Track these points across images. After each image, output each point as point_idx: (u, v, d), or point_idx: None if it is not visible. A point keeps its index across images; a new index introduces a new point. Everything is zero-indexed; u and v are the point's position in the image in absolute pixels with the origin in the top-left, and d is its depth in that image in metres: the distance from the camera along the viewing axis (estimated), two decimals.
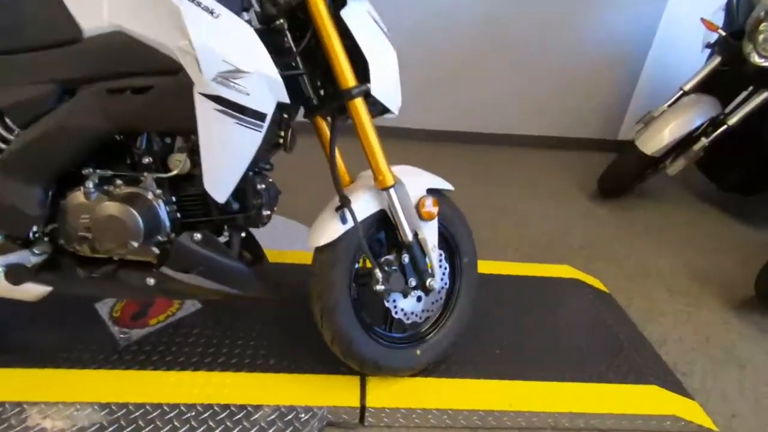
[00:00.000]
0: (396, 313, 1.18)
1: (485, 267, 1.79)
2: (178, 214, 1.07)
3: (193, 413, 1.12)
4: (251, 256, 1.22)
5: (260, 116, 0.93)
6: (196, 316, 1.42)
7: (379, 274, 1.08)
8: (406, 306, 1.19)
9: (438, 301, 1.27)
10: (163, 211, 1.04)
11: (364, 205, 1.10)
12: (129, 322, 1.37)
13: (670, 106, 2.35)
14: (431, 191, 1.17)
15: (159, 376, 1.21)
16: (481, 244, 1.56)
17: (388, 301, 1.16)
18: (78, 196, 1.02)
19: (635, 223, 2.49)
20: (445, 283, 1.28)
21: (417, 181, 1.15)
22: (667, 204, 2.73)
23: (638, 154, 2.37)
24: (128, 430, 1.06)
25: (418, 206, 1.10)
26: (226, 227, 1.13)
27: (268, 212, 1.13)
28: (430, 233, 1.15)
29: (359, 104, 1.02)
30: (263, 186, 1.11)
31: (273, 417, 1.13)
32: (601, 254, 2.17)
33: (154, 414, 1.11)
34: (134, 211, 0.97)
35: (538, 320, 1.55)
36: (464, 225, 1.31)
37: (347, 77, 1.00)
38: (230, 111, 0.90)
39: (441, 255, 1.26)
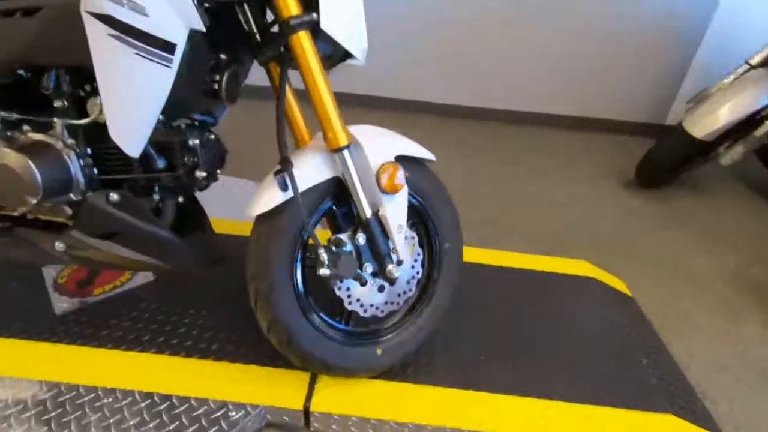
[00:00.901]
0: (350, 303, 0.98)
1: (487, 257, 1.56)
2: (95, 170, 0.91)
3: (110, 399, 0.98)
4: (193, 224, 1.05)
5: (168, 47, 0.74)
6: (146, 289, 1.27)
7: (324, 255, 0.88)
8: (363, 296, 0.99)
9: (407, 292, 1.06)
10: (75, 164, 0.89)
11: (311, 170, 0.89)
12: (73, 290, 1.25)
13: (731, 82, 1.98)
14: (403, 159, 0.95)
15: (87, 352, 1.08)
16: (489, 231, 1.33)
17: (339, 289, 0.97)
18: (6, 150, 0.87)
19: (674, 218, 2.16)
20: (418, 272, 1.06)
21: (382, 145, 0.93)
22: (715, 198, 2.36)
23: (685, 138, 2.03)
24: (51, 409, 0.94)
25: (379, 175, 0.89)
26: (157, 189, 0.97)
27: (204, 174, 0.95)
28: (394, 210, 0.93)
29: (303, 40, 0.81)
30: (197, 142, 0.92)
31: (198, 413, 0.97)
32: (628, 251, 1.88)
33: (69, 396, 0.98)
34: (31, 163, 0.82)
35: (539, 323, 1.31)
36: (447, 204, 1.09)
37: (288, 3, 0.78)
38: (128, 38, 0.72)
39: (414, 238, 1.04)
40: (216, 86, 0.90)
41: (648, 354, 1.28)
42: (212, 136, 0.99)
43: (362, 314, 1.00)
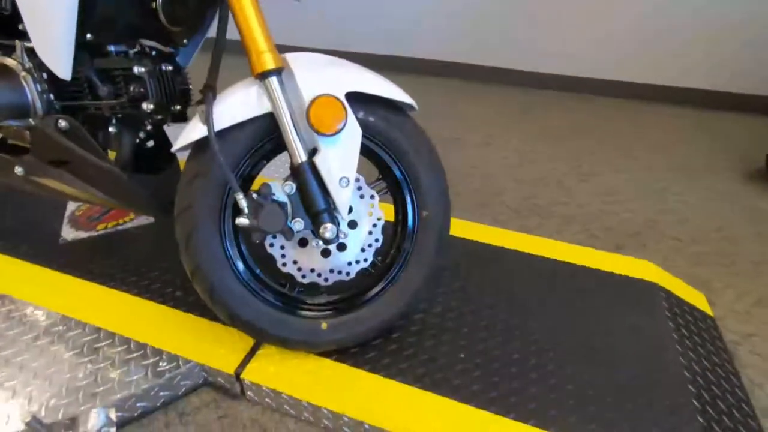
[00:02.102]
0: (284, 265, 0.85)
1: (524, 243, 1.29)
2: (51, 96, 0.90)
3: (64, 327, 0.99)
4: (162, 165, 1.00)
5: None
6: (140, 230, 1.29)
7: (243, 202, 0.75)
8: (302, 259, 0.85)
9: (360, 262, 0.88)
10: (32, 88, 0.88)
11: (238, 103, 0.76)
12: (82, 223, 1.32)
13: None
14: (366, 100, 0.77)
15: (66, 281, 1.11)
16: (544, 217, 1.11)
17: (272, 246, 0.83)
18: None
19: None
20: (377, 240, 0.88)
21: (323, 76, 0.76)
22: None
23: None
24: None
25: (308, 110, 0.72)
26: (114, 122, 0.93)
27: (153, 106, 0.88)
28: (334, 157, 0.76)
29: None
30: (142, 70, 0.85)
31: (132, 356, 0.93)
32: (724, 258, 1.43)
33: (33, 318, 1.01)
34: None
35: (563, 331, 1.02)
36: (429, 163, 0.88)
37: None
38: None
39: (373, 198, 0.86)
40: (153, 5, 0.81)
41: (719, 396, 0.92)
42: (169, 68, 0.92)
43: (300, 279, 0.86)
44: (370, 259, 0.89)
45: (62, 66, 0.78)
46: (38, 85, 0.88)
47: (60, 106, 0.90)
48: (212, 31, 0.90)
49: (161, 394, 0.91)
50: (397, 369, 0.92)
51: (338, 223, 0.80)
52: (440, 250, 0.92)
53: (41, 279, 1.11)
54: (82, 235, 1.27)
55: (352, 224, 0.86)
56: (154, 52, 0.92)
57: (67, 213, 1.35)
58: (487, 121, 2.38)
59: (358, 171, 0.81)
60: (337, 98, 0.72)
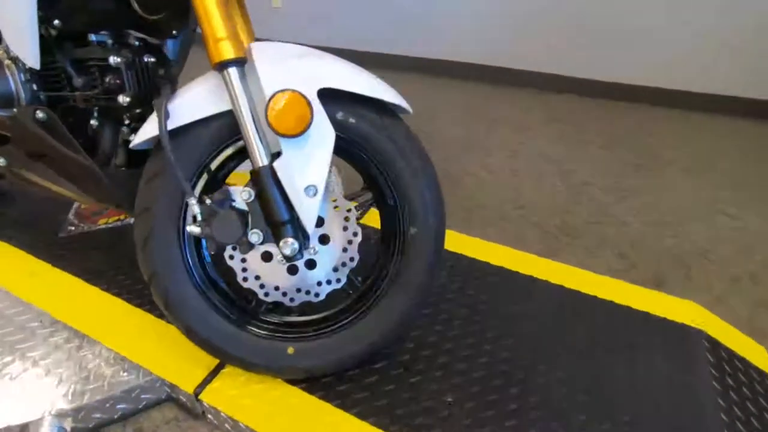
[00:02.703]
0: (245, 279, 0.76)
1: (544, 268, 1.14)
2: (35, 86, 0.87)
3: (39, 322, 0.96)
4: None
5: None
6: None
7: (196, 208, 0.67)
8: (265, 274, 0.76)
9: (332, 283, 0.78)
10: (16, 78, 0.85)
11: (196, 96, 0.69)
12: (86, 217, 1.31)
13: None
14: (346, 98, 0.68)
15: (56, 274, 1.09)
16: (573, 237, 0.98)
17: (232, 258, 0.75)
18: None
19: None
20: (352, 259, 0.77)
21: (293, 69, 0.66)
22: None
23: None
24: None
25: (267, 106, 0.63)
26: (96, 115, 0.89)
27: (129, 99, 0.83)
28: (297, 162, 0.67)
29: None
30: (118, 60, 0.80)
31: (95, 362, 0.88)
32: None
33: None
34: None
35: (581, 379, 0.87)
36: (420, 173, 0.76)
37: None
38: None
39: (350, 211, 0.75)
40: None
41: None
42: (151, 60, 0.87)
43: (262, 297, 0.77)
44: (343, 280, 0.78)
45: (29, 53, 0.74)
46: (21, 75, 0.85)
47: (44, 96, 0.87)
48: None
49: (118, 407, 0.85)
50: (372, 407, 0.81)
51: (304, 238, 0.70)
52: (430, 273, 0.79)
53: (30, 270, 1.10)
54: (83, 228, 1.26)
55: (324, 239, 0.76)
56: (137, 43, 0.87)
57: (75, 205, 1.35)
58: (520, 127, 2.20)
59: (351, 178, 0.72)
60: (300, 94, 0.63)
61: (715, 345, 0.96)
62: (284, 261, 0.73)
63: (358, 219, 0.78)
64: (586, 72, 2.57)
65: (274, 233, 0.69)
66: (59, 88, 0.85)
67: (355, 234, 0.76)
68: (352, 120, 0.72)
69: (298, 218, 0.69)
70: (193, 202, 0.66)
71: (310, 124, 0.64)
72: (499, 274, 1.12)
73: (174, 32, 0.87)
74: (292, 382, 0.84)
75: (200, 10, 0.63)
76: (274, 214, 0.68)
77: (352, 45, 3.07)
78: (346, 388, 0.84)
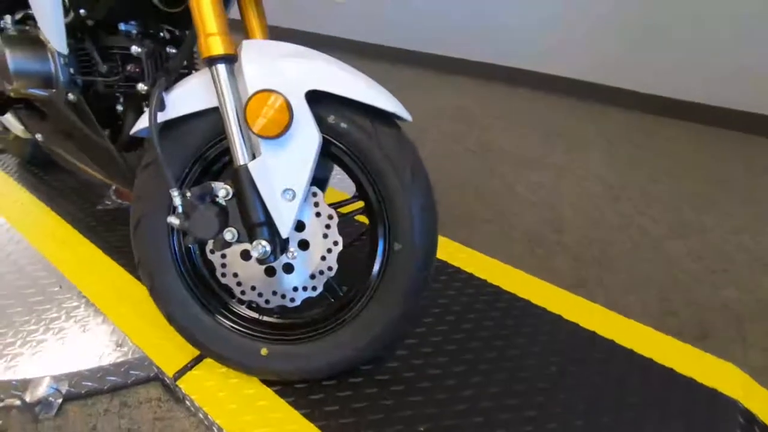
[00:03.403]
0: (224, 275, 0.76)
1: (563, 303, 1.04)
2: (71, 70, 0.93)
3: (57, 289, 1.04)
4: None
5: None
6: None
7: (177, 200, 0.68)
8: (243, 273, 0.75)
9: (309, 289, 0.75)
10: (55, 61, 0.92)
11: (188, 91, 0.69)
12: (124, 194, 1.40)
13: None
14: (329, 98, 0.65)
15: (80, 243, 1.17)
16: (610, 271, 0.92)
17: (212, 252, 0.75)
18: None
19: None
20: (330, 268, 0.74)
21: (280, 69, 0.65)
22: None
23: None
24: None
25: (246, 106, 0.62)
26: (122, 100, 0.94)
27: (147, 88, 0.86)
28: (276, 162, 0.65)
29: None
30: (139, 50, 0.84)
31: (96, 333, 0.94)
32: None
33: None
34: (7, 54, 0.88)
35: None
36: (410, 186, 0.71)
37: None
38: None
39: (332, 218, 0.73)
40: None
41: None
42: (173, 51, 0.89)
43: (238, 295, 0.76)
44: (319, 289, 0.76)
45: (55, 38, 0.79)
46: (60, 59, 0.92)
47: (80, 81, 0.94)
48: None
49: (108, 378, 0.89)
50: (338, 423, 0.78)
51: (280, 241, 0.69)
52: (414, 293, 0.75)
53: (63, 238, 1.19)
54: (119, 204, 1.34)
55: (304, 245, 0.74)
56: (162, 35, 0.90)
57: None
58: (579, 144, 2.04)
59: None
60: (280, 96, 0.61)
61: (750, 420, 0.82)
62: (279, 265, 0.72)
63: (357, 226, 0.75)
64: (668, 90, 2.33)
65: (249, 233, 0.68)
66: (89, 74, 0.90)
67: (335, 243, 0.73)
68: (343, 125, 0.70)
69: (272, 221, 0.67)
70: (175, 194, 0.67)
71: (289, 126, 0.62)
72: (508, 302, 1.04)
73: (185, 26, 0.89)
74: (268, 382, 0.84)
75: (194, 4, 0.63)
76: (250, 214, 0.67)
77: (415, 46, 3.03)
78: (318, 398, 0.82)
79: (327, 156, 0.73)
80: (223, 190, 0.68)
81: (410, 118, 0.73)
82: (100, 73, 0.88)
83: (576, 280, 1.25)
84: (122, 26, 0.87)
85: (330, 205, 0.76)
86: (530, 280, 1.11)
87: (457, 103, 2.46)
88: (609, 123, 2.28)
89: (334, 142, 0.71)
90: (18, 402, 0.83)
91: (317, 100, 0.68)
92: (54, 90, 0.92)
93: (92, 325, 0.96)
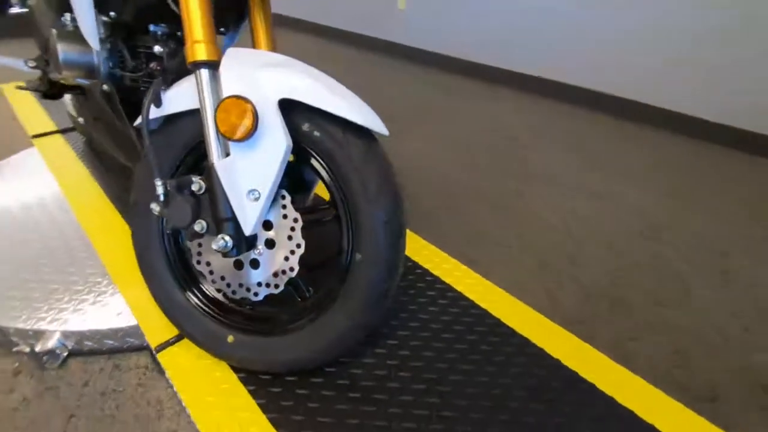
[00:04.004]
0: (198, 263, 0.82)
1: (558, 343, 0.99)
2: (110, 63, 1.05)
3: (80, 243, 1.17)
4: None
5: None
6: None
7: (160, 188, 0.74)
8: (214, 262, 0.80)
9: (271, 287, 0.79)
10: (98, 55, 1.04)
11: (180, 91, 0.76)
12: None
13: None
14: (306, 107, 0.69)
15: (117, 220, 1.31)
16: (621, 315, 0.92)
17: (191, 240, 0.81)
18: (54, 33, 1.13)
19: None
20: (292, 269, 0.77)
21: (254, 76, 0.69)
22: None
23: None
24: None
25: (217, 110, 0.67)
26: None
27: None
28: (243, 163, 0.69)
29: None
30: (160, 49, 0.92)
31: (107, 299, 1.04)
32: None
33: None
34: (58, 47, 1.01)
35: None
36: (376, 199, 0.73)
37: None
38: None
39: (297, 221, 0.76)
40: None
41: None
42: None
43: (209, 283, 0.82)
44: (281, 287, 0.79)
45: (89, 35, 0.90)
46: (102, 54, 1.04)
47: (115, 74, 1.05)
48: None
49: (106, 341, 0.99)
50: (289, 418, 0.80)
51: (243, 238, 0.73)
52: (372, 305, 0.76)
53: (101, 210, 1.33)
54: None
55: (270, 243, 0.77)
56: (179, 34, 0.99)
57: None
58: (621, 170, 1.90)
59: None
60: (247, 101, 0.65)
61: None
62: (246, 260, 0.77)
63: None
64: (729, 118, 2.11)
65: (216, 227, 0.73)
66: (121, 68, 1.01)
67: (298, 245, 0.76)
68: (317, 133, 0.72)
69: (238, 218, 0.72)
70: (158, 183, 0.74)
71: (253, 131, 0.66)
72: (490, 327, 1.01)
73: (222, 29, 0.97)
74: (236, 368, 0.89)
75: (184, 13, 0.69)
76: (217, 209, 0.72)
77: (472, 56, 3.00)
78: (276, 391, 0.85)
79: (305, 163, 0.77)
80: (196, 184, 0.73)
81: (386, 132, 0.74)
82: (128, 68, 0.98)
83: (577, 314, 1.18)
84: (151, 27, 0.96)
85: (306, 208, 0.79)
86: (522, 309, 1.06)
87: (511, 121, 2.40)
88: (672, 153, 2.10)
89: (308, 149, 0.74)
90: (28, 349, 0.95)
91: (296, 108, 0.71)
92: (94, 81, 1.04)
93: (107, 293, 1.06)
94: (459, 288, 1.11)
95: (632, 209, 1.66)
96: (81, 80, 1.05)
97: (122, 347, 1.01)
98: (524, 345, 0.96)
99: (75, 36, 1.02)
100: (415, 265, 1.18)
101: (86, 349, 1.00)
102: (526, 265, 1.35)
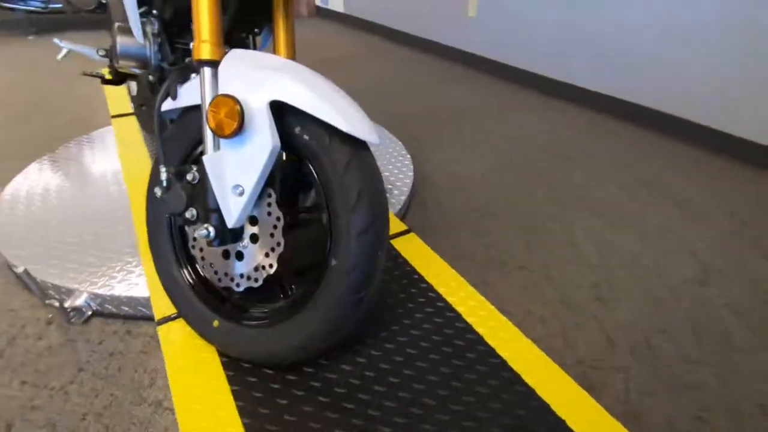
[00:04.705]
0: (193, 247, 0.86)
1: (547, 385, 0.93)
2: (160, 56, 1.15)
3: (121, 213, 1.29)
4: None
5: None
6: None
7: (163, 174, 0.80)
8: (207, 250, 0.85)
9: (252, 280, 0.81)
10: (151, 48, 1.15)
11: (190, 86, 0.80)
12: None
13: None
14: (299, 111, 0.71)
15: None
16: (639, 363, 0.89)
17: (188, 226, 0.86)
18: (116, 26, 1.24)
19: None
20: (271, 266, 0.79)
21: (249, 77, 0.71)
22: None
23: None
24: None
25: (209, 106, 0.70)
26: None
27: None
28: (230, 159, 0.72)
29: None
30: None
31: (133, 270, 1.14)
32: None
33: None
34: (117, 42, 1.12)
35: None
36: (354, 207, 0.72)
37: None
38: None
39: (279, 219, 0.77)
40: None
41: None
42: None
43: (199, 268, 0.86)
44: (260, 281, 0.81)
45: (136, 30, 0.99)
46: (154, 46, 1.14)
47: (161, 66, 1.15)
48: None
49: (122, 308, 1.09)
50: (256, 409, 0.82)
51: (225, 230, 0.76)
52: (342, 312, 0.76)
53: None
54: None
55: (254, 238, 0.80)
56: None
57: None
58: (695, 209, 1.69)
59: None
60: (234, 100, 0.68)
61: None
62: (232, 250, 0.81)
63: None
64: None
65: (204, 216, 0.77)
66: (165, 61, 1.10)
67: (278, 244, 0.78)
68: (305, 137, 0.73)
69: (222, 210, 0.75)
70: (162, 169, 0.80)
71: (238, 129, 0.68)
72: (480, 355, 0.95)
73: (256, 30, 1.02)
74: (222, 352, 0.93)
75: (194, 14, 0.73)
76: (205, 200, 0.76)
77: (542, 69, 2.86)
78: (251, 381, 0.88)
79: (303, 163, 0.78)
80: (191, 174, 0.78)
81: (375, 140, 0.73)
82: (169, 62, 1.07)
83: (591, 359, 1.07)
84: (191, 25, 1.04)
85: (305, 208, 0.81)
86: (523, 343, 0.99)
87: (565, 137, 2.25)
88: (746, 193, 1.84)
89: (301, 152, 0.75)
90: (58, 304, 1.07)
91: (291, 111, 0.73)
92: (144, 71, 1.14)
93: (134, 269, 1.16)
94: (459, 309, 1.06)
95: (685, 251, 1.47)
96: (134, 70, 1.16)
97: (136, 315, 1.10)
98: (514, 381, 0.90)
99: (125, 29, 1.13)
100: (420, 279, 1.15)
101: (107, 311, 1.11)
102: (546, 296, 1.25)
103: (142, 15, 1.01)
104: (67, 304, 1.08)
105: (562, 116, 2.53)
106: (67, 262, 1.17)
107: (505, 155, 2.05)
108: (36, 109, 2.40)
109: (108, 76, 1.25)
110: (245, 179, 0.72)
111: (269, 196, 0.77)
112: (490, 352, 0.96)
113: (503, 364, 0.93)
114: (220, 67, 0.74)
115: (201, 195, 0.77)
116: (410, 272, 1.17)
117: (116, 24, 1.11)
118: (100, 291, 1.08)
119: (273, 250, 0.79)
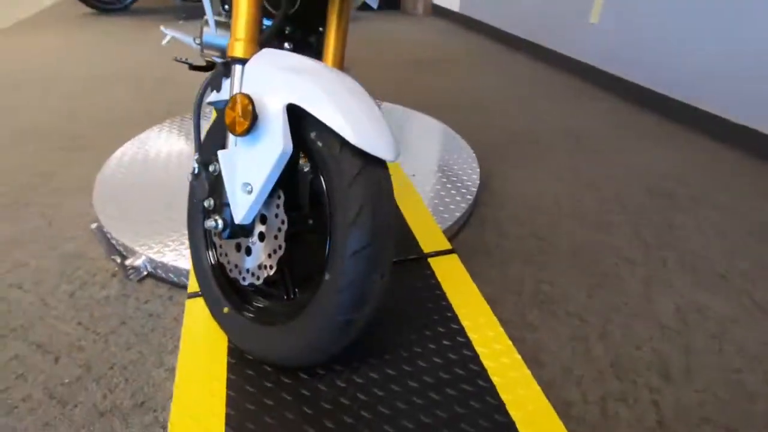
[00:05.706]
0: (215, 234, 0.89)
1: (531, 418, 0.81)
2: None
3: None
4: None
5: None
6: None
7: (194, 163, 0.84)
8: (224, 240, 0.87)
9: (254, 277, 0.82)
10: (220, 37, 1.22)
11: (227, 83, 0.82)
12: None
13: None
14: (306, 114, 0.69)
15: None
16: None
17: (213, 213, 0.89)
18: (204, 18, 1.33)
19: None
20: (270, 267, 0.79)
21: (271, 78, 0.70)
22: None
23: None
24: None
25: (227, 104, 0.71)
26: None
27: None
28: (242, 156, 0.73)
29: None
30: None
31: (184, 250, 1.24)
32: None
33: None
34: (204, 28, 1.21)
35: None
36: (355, 221, 0.68)
37: None
38: None
39: (284, 223, 0.76)
40: None
41: None
42: (289, 47, 1.05)
43: (218, 256, 0.89)
44: (261, 279, 0.81)
45: (211, 23, 1.05)
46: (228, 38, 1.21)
47: None
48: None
49: (169, 275, 1.19)
50: (243, 405, 0.84)
51: (233, 224, 0.78)
52: (331, 333, 0.73)
53: None
54: None
55: (261, 237, 0.80)
56: (287, 31, 1.07)
57: None
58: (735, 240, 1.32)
59: None
60: (248, 99, 0.67)
61: None
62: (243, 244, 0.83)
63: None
64: None
65: (218, 208, 0.79)
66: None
67: (279, 247, 0.77)
68: (319, 143, 0.71)
69: (231, 204, 0.76)
70: (195, 157, 0.84)
71: (250, 129, 0.68)
72: (488, 412, 0.85)
73: (321, 29, 1.03)
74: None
75: (234, 11, 0.75)
76: (221, 193, 0.77)
77: (647, 82, 2.48)
78: (248, 374, 0.89)
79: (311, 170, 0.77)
80: (212, 166, 0.80)
81: (389, 157, 0.68)
82: None
83: (605, 399, 0.89)
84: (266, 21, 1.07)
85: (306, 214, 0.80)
86: (544, 409, 0.86)
87: (676, 171, 1.92)
88: None
89: (313, 158, 0.73)
90: (120, 260, 1.20)
91: (309, 116, 0.71)
92: (224, 60, 1.22)
93: (184, 244, 1.27)
94: (480, 349, 0.96)
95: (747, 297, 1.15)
96: (216, 59, 1.24)
97: (179, 284, 1.20)
98: (505, 425, 0.79)
99: (217, 22, 1.21)
100: (447, 306, 1.07)
101: (158, 275, 1.22)
102: (594, 355, 1.08)
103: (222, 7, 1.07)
104: (127, 263, 1.21)
105: (682, 147, 2.16)
106: (138, 224, 1.31)
107: (595, 183, 1.81)
108: (160, 83, 2.74)
109: (196, 64, 1.36)
110: (254, 178, 0.72)
111: (279, 197, 0.77)
112: (499, 407, 0.85)
113: (512, 426, 0.82)
114: (247, 66, 0.74)
115: (219, 188, 0.79)
116: (438, 297, 1.09)
117: (205, 16, 1.19)
118: (154, 256, 1.19)
119: (275, 252, 0.78)
